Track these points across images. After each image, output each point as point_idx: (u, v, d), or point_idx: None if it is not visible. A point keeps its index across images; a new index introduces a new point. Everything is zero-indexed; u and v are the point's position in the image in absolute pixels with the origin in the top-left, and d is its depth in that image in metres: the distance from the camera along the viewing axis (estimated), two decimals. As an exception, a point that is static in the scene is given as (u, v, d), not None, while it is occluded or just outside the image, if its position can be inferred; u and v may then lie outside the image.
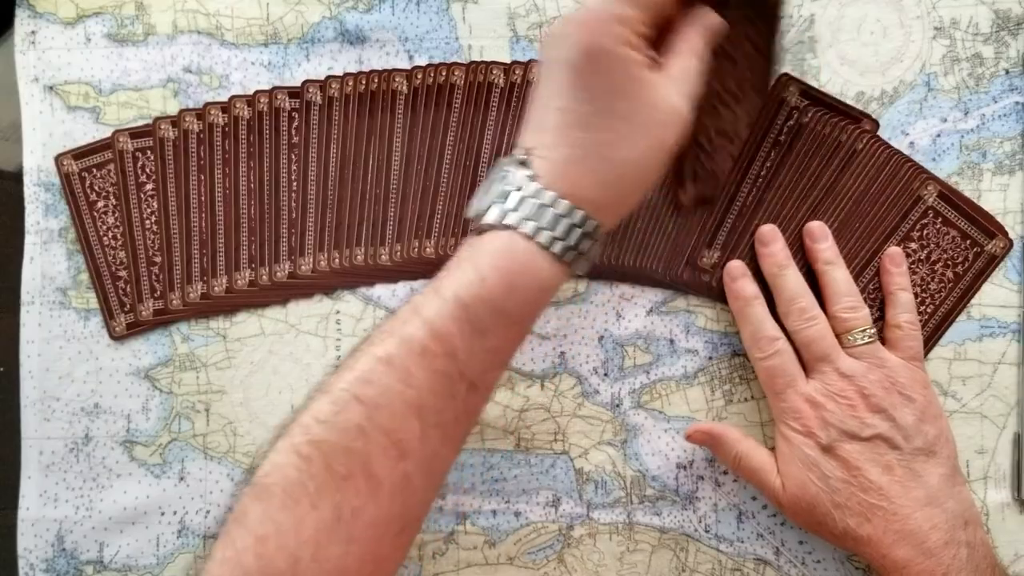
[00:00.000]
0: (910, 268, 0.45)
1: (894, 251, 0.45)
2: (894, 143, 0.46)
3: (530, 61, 0.47)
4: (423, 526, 0.46)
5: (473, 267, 0.35)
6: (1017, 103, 0.46)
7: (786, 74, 0.46)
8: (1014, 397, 0.45)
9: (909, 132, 0.46)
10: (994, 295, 0.45)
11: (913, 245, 0.45)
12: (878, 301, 0.45)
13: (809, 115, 0.45)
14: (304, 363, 0.47)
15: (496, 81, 0.47)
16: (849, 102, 0.46)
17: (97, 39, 0.48)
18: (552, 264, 0.36)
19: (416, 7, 0.47)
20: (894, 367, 0.42)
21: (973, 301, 0.45)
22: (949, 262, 0.45)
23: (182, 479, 0.47)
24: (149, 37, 0.48)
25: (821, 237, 0.45)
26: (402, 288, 0.47)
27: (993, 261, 0.45)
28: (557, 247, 0.35)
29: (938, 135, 0.46)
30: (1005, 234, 0.45)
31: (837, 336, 0.43)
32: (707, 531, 0.46)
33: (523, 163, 0.36)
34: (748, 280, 0.45)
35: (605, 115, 0.35)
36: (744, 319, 0.45)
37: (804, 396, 0.42)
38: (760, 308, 0.44)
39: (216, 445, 0.47)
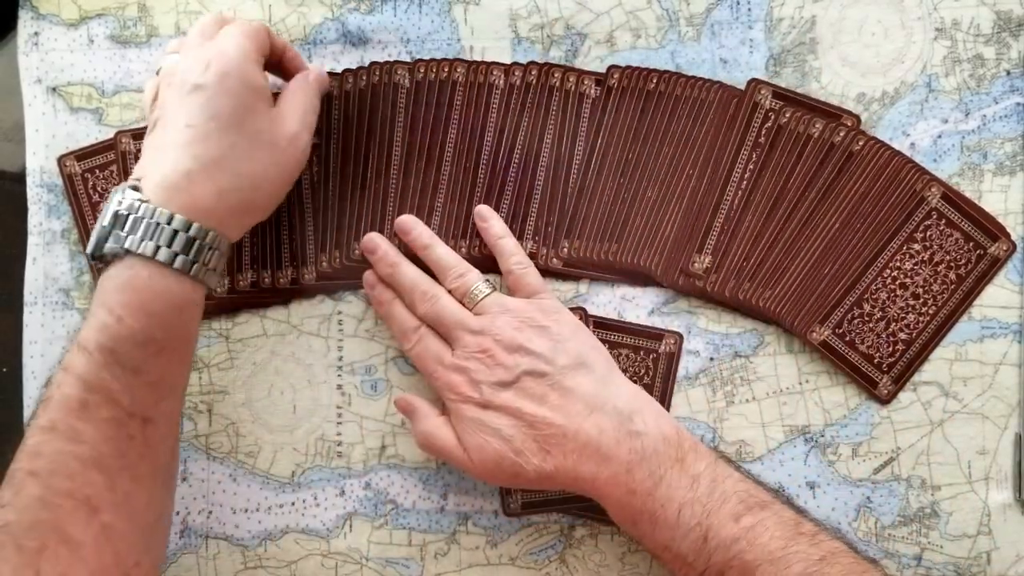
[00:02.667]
0: (912, 269, 0.45)
1: (481, 207, 0.46)
2: (895, 144, 0.46)
3: (529, 63, 0.47)
4: (426, 526, 0.46)
5: (106, 310, 0.36)
6: (1018, 104, 0.46)
7: (755, 79, 0.46)
8: (1015, 398, 0.45)
9: (910, 133, 0.46)
10: (995, 296, 0.45)
11: (916, 246, 0.45)
12: (880, 301, 0.45)
13: (787, 116, 0.46)
14: (306, 364, 0.47)
15: (496, 82, 0.47)
16: (850, 103, 0.46)
17: (100, 40, 0.48)
18: (180, 281, 0.38)
19: (418, 8, 0.47)
20: (517, 307, 0.43)
21: (974, 302, 0.45)
22: (952, 264, 0.45)
23: (184, 479, 0.47)
24: (152, 39, 0.48)
25: (410, 227, 0.46)
26: (404, 289, 0.47)
27: (996, 264, 0.45)
28: (179, 262, 0.37)
29: (939, 136, 0.46)
30: (1008, 237, 0.45)
31: (462, 305, 0.44)
32: (708, 532, 0.46)
33: (135, 188, 0.38)
34: (382, 287, 0.46)
35: (229, 132, 0.39)
36: (389, 319, 0.46)
37: (451, 366, 0.43)
38: (399, 306, 0.45)
39: (218, 445, 0.47)
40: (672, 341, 0.46)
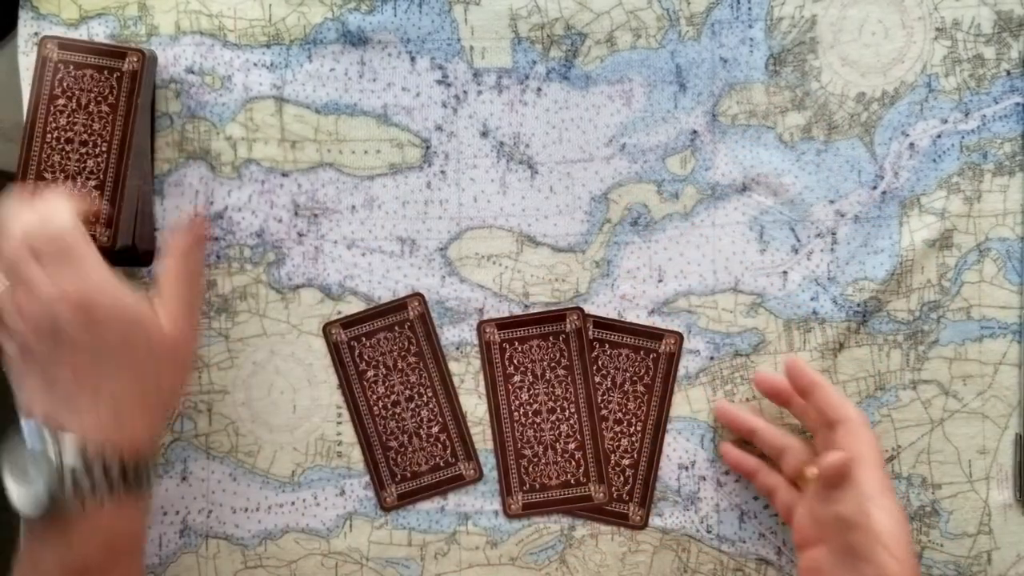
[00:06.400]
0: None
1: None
2: (894, 144, 0.46)
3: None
4: (426, 526, 0.46)
5: (78, 556, 0.36)
6: (1018, 104, 0.46)
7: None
8: (1015, 398, 0.45)
9: (909, 133, 0.46)
10: (994, 296, 0.46)
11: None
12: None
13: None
14: (306, 363, 0.47)
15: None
16: (850, 103, 0.46)
17: (100, 40, 0.48)
18: (139, 503, 0.38)
19: (418, 8, 0.47)
20: None
21: (973, 302, 0.46)
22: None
23: (184, 479, 0.47)
24: (152, 38, 0.48)
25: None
26: (403, 287, 0.47)
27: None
28: (134, 494, 0.37)
29: (939, 136, 0.46)
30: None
31: None
32: (709, 531, 0.46)
33: (56, 440, 0.36)
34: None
35: (133, 362, 0.38)
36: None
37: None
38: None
39: (218, 445, 0.47)
40: (672, 341, 0.46)
